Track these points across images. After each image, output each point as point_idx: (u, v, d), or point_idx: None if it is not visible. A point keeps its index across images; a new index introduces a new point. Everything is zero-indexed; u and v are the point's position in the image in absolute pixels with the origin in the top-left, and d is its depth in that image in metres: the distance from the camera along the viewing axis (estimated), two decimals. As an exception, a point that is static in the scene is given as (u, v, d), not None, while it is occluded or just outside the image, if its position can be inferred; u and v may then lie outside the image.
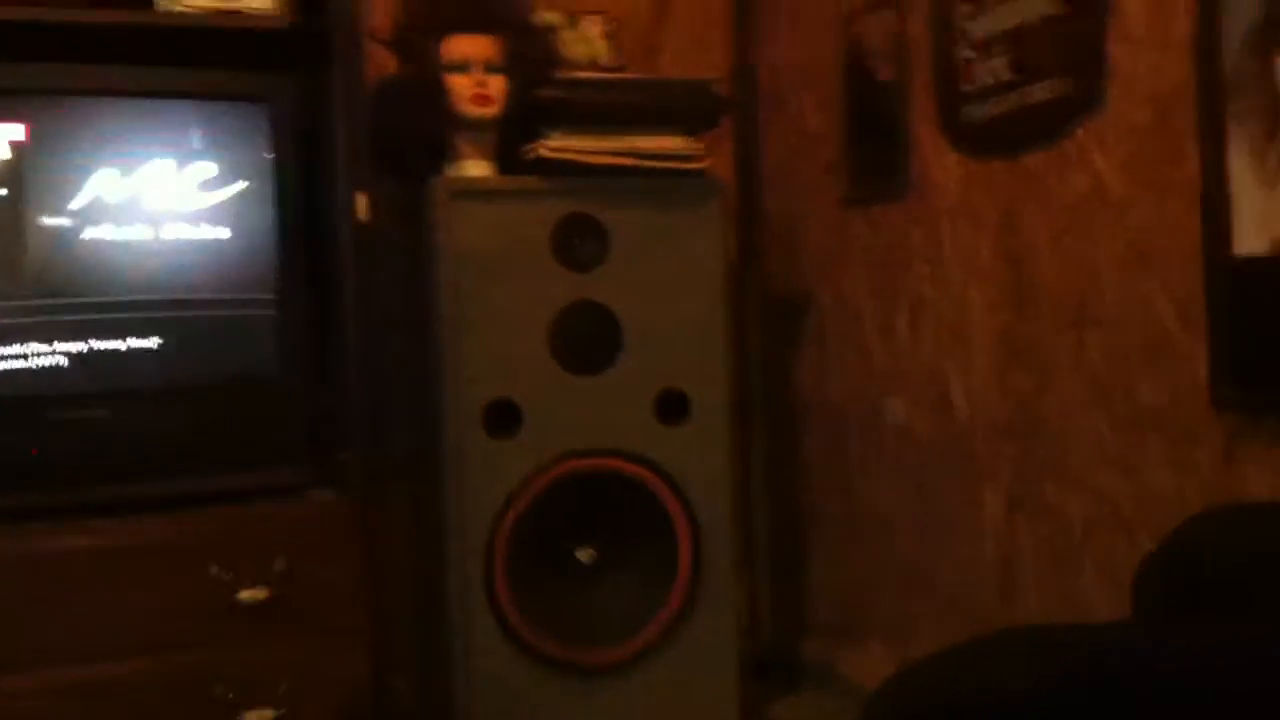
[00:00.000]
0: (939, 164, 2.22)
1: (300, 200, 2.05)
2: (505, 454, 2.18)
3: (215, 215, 2.00)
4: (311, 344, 2.09)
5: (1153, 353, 1.79)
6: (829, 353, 2.56)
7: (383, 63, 2.36)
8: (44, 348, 1.91)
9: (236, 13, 2.03)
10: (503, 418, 2.20)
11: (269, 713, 1.91)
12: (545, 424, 2.21)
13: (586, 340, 2.25)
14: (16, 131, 1.89)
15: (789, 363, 2.68)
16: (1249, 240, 1.60)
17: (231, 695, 1.90)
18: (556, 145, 2.23)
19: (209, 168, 2.00)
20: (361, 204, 2.08)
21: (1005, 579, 2.09)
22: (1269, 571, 1.16)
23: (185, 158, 1.99)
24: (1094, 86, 1.86)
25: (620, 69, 2.55)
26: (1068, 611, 1.96)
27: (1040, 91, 1.95)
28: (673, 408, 2.30)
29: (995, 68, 2.03)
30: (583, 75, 2.30)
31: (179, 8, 2.00)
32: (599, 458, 2.24)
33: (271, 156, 2.01)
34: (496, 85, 2.26)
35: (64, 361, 1.91)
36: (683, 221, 2.29)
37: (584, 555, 2.30)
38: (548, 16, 2.54)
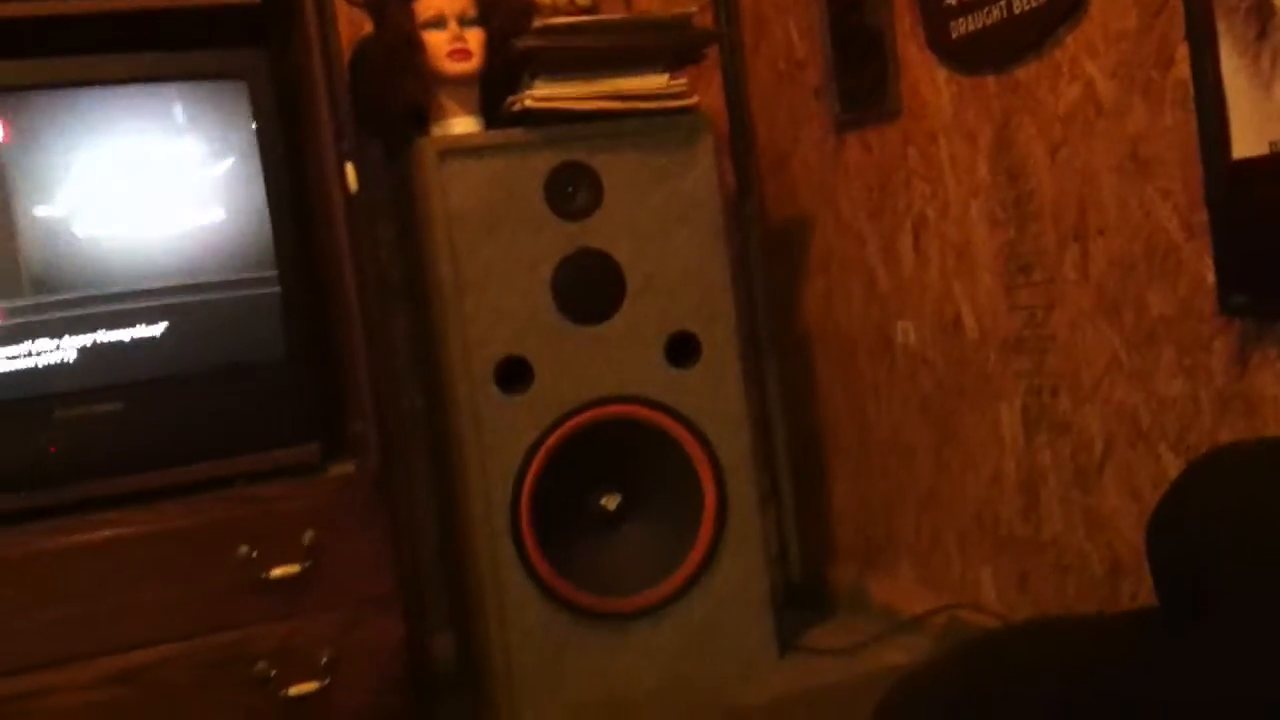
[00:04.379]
0: (929, 81, 2.17)
1: (289, 175, 2.03)
2: (520, 410, 2.19)
3: (206, 197, 1.99)
4: (314, 318, 2.09)
5: (1159, 261, 1.77)
6: (834, 280, 2.54)
7: (359, 25, 2.33)
8: (49, 346, 1.91)
9: (204, -10, 2.00)
10: (514, 374, 2.20)
11: (312, 684, 1.94)
12: (557, 376, 2.20)
13: (590, 289, 2.23)
14: (-4, 130, 1.88)
15: (795, 293, 2.66)
16: (1247, 143, 1.57)
17: (274, 671, 1.93)
18: (541, 95, 2.19)
19: (194, 150, 1.98)
20: (350, 173, 2.06)
21: (1028, 499, 2.09)
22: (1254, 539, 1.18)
23: (169, 142, 1.97)
24: (1076, -8, 1.81)
25: (595, 10, 2.50)
26: (1092, 531, 1.96)
27: (1023, 1, 1.91)
28: (683, 350, 2.29)
29: (978, -21, 1.99)
30: (560, 21, 2.25)
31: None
32: (615, 405, 2.24)
33: (255, 133, 1.99)
34: (474, 39, 2.23)
35: (70, 358, 1.92)
36: (675, 160, 2.27)
37: (609, 502, 2.31)
38: (518, -37, 2.48)
